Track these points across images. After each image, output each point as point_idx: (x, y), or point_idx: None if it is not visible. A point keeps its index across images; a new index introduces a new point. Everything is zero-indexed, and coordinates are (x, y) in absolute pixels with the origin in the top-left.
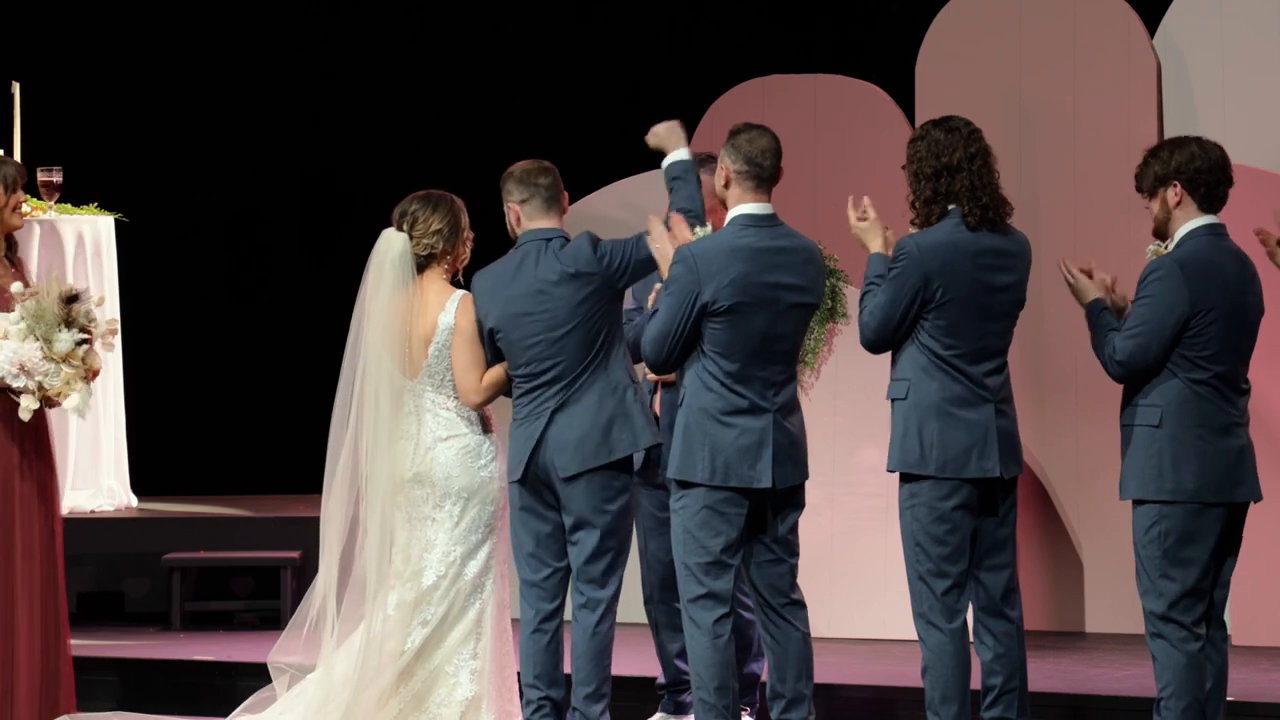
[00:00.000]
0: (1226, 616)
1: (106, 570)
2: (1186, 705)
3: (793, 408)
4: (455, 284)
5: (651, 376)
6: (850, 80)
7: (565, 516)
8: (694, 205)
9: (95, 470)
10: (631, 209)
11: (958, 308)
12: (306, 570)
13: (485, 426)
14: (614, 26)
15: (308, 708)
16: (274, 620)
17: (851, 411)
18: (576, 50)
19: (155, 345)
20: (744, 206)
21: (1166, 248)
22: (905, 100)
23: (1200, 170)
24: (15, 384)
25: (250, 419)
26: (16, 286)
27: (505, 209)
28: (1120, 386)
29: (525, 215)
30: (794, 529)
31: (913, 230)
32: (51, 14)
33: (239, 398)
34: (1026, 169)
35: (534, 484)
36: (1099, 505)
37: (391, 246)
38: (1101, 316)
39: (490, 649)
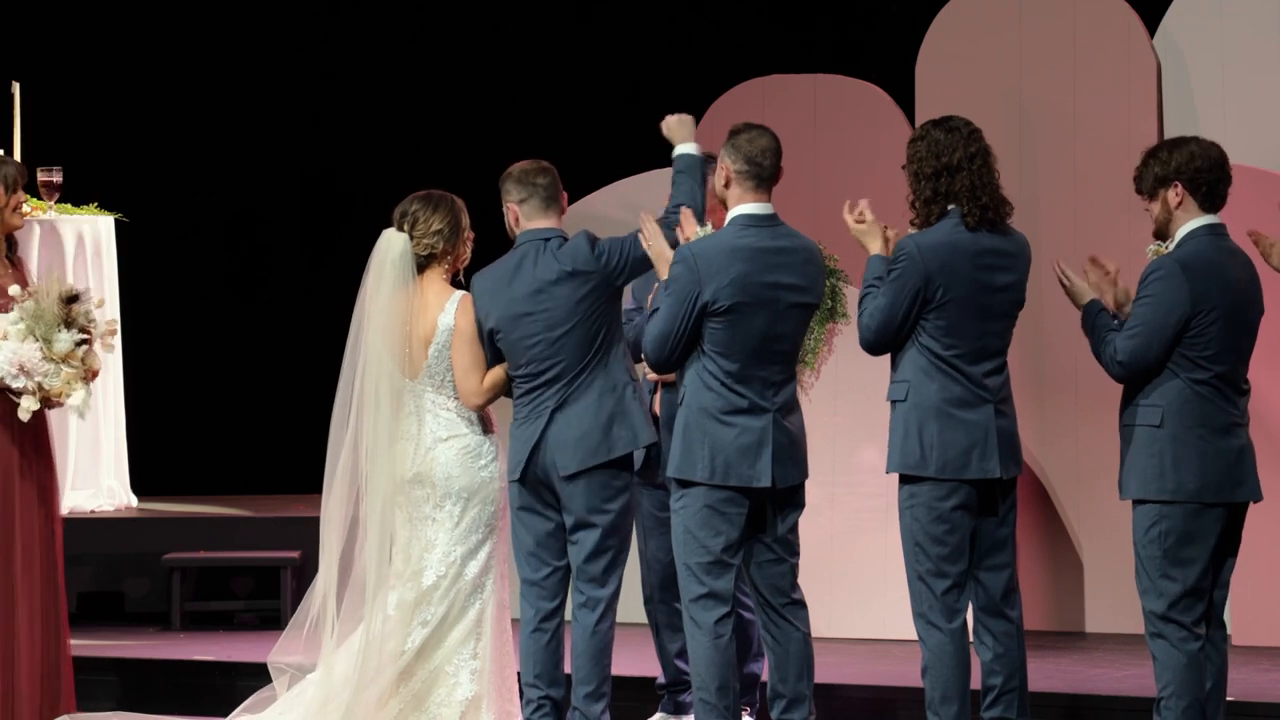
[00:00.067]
0: (1226, 616)
1: (106, 570)
2: (1186, 705)
3: (792, 407)
4: (456, 284)
5: (651, 376)
6: (850, 80)
7: (565, 516)
8: (693, 202)
9: (95, 470)
10: (631, 209)
11: (957, 308)
12: (306, 570)
13: (486, 427)
14: (614, 26)
15: (308, 708)
16: (274, 620)
17: (851, 411)
18: (576, 50)
19: (155, 345)
20: (744, 206)
21: (1167, 248)
22: (905, 100)
23: (1201, 170)
24: (15, 384)
25: (250, 419)
26: (15, 289)
27: (504, 209)
28: (1120, 386)
29: (524, 215)
30: (794, 528)
31: (912, 230)
32: (51, 14)
33: (239, 398)
34: (1026, 169)
35: (534, 483)
36: (1099, 505)
37: (392, 247)
38: (1099, 318)
39: (490, 649)
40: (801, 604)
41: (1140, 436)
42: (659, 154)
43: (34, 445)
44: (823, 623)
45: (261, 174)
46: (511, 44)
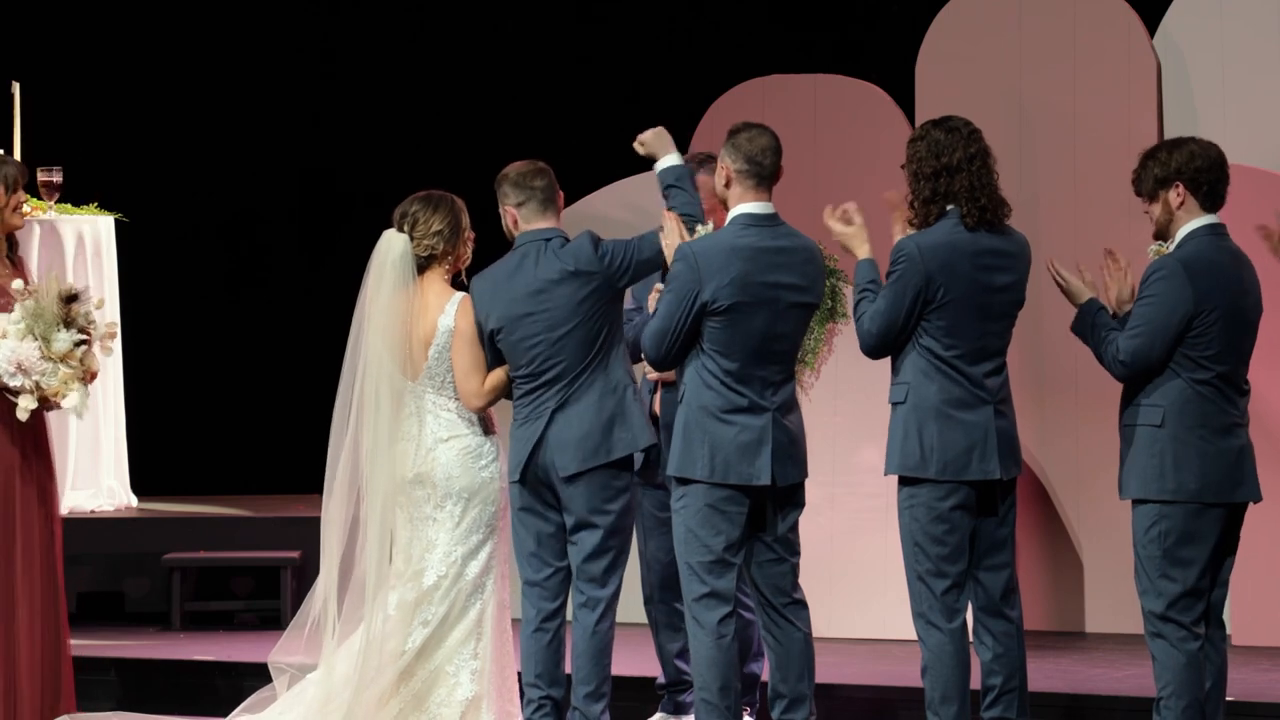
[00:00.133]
0: (1226, 616)
1: (106, 570)
2: (1186, 705)
3: (791, 406)
4: (457, 285)
5: (652, 376)
6: (850, 80)
7: (566, 516)
8: (692, 210)
9: (95, 470)
10: (631, 209)
11: (957, 308)
12: (306, 570)
13: (486, 428)
14: (614, 26)
15: (308, 708)
16: (274, 620)
17: (851, 411)
18: (576, 50)
19: (155, 345)
20: (745, 206)
21: (1168, 248)
22: (905, 100)
23: (1201, 169)
24: (12, 383)
25: (250, 419)
26: (18, 284)
27: (501, 212)
28: (1120, 386)
29: (522, 218)
30: (794, 528)
31: (910, 230)
32: (51, 14)
33: (239, 398)
34: (1026, 169)
35: (534, 484)
36: (1099, 505)
37: (392, 247)
38: (1099, 316)
39: (491, 649)
40: (802, 604)
41: (1141, 436)
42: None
43: (34, 445)
44: (823, 623)
45: (261, 174)
46: (511, 44)
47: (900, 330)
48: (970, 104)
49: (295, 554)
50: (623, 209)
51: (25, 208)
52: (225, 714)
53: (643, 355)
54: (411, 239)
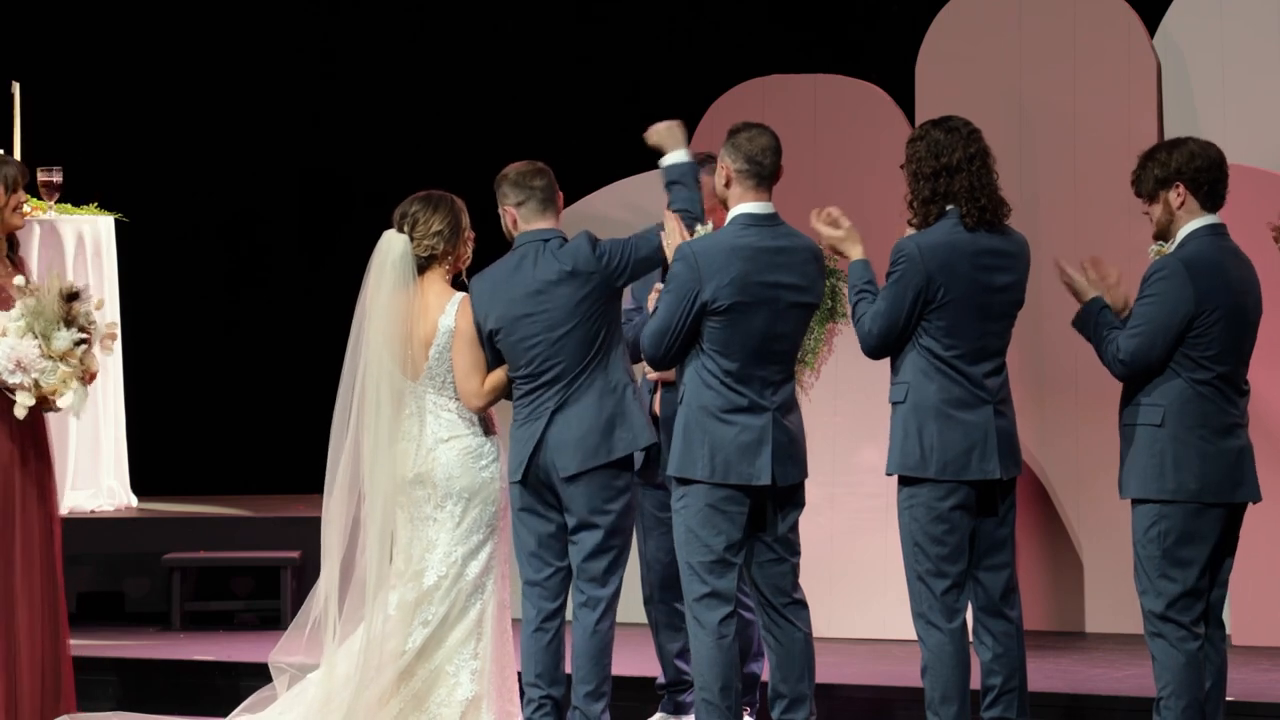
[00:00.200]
0: (1226, 616)
1: (106, 570)
2: (1186, 705)
3: (791, 406)
4: (457, 285)
5: (652, 376)
6: (850, 80)
7: (567, 516)
8: (693, 208)
9: (95, 470)
10: (631, 209)
11: (957, 308)
12: (306, 570)
13: (487, 428)
14: (614, 26)
15: (308, 707)
16: (274, 620)
17: (851, 411)
18: (576, 50)
19: (155, 345)
20: (745, 205)
21: (1169, 248)
22: (905, 100)
23: (1201, 169)
24: (10, 380)
25: (250, 419)
26: (20, 279)
27: (500, 212)
28: (1120, 386)
29: (522, 218)
30: (794, 528)
31: (910, 230)
32: (51, 14)
33: (239, 398)
34: (1026, 169)
35: (535, 484)
36: (1099, 505)
37: (392, 248)
38: (1102, 315)
39: (491, 649)
40: (803, 604)
41: (1141, 436)
42: (658, 153)
43: (33, 445)
44: (823, 623)
45: (261, 174)
46: (511, 44)
47: (901, 330)
48: (970, 104)
49: (295, 554)
50: (623, 209)
51: (25, 208)
52: (225, 714)
53: (642, 355)
54: (411, 239)
